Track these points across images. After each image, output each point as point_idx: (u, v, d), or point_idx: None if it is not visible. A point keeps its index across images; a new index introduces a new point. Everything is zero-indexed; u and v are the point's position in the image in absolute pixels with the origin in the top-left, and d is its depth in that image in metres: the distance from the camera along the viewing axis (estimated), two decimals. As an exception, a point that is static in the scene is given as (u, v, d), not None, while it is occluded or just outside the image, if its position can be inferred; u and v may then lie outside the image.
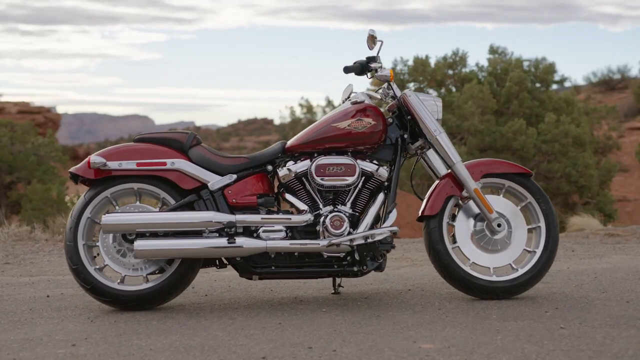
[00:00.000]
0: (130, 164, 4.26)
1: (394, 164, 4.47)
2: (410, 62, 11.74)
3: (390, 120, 4.47)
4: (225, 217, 4.19)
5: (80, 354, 3.37)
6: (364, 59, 4.41)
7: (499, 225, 4.38)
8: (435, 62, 11.86)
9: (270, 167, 4.39)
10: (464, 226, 4.44)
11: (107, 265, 4.28)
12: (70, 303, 4.52)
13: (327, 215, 4.23)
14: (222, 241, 4.16)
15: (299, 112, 20.48)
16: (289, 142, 4.42)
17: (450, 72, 11.76)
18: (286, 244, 4.19)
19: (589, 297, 4.38)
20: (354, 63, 4.41)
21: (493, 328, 3.67)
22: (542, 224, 4.43)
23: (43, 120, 59.57)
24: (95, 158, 4.22)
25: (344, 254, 4.26)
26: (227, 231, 4.20)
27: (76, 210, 4.27)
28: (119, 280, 4.25)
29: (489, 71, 12.04)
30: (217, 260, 4.32)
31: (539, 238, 4.43)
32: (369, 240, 4.19)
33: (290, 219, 4.23)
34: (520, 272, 4.39)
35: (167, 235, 4.21)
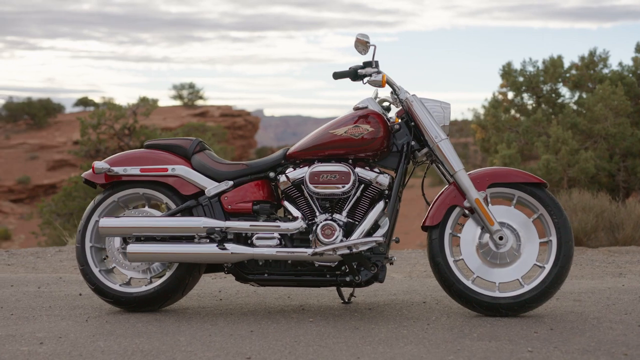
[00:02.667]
0: (134, 170, 4.38)
1: (402, 171, 4.34)
2: (540, 64, 11.20)
3: (397, 126, 4.32)
4: (215, 223, 4.22)
5: (38, 352, 3.50)
6: (361, 63, 4.29)
7: (500, 238, 4.12)
8: (571, 63, 11.25)
9: (272, 174, 4.37)
10: (469, 238, 4.22)
11: (114, 267, 4.43)
12: (88, 303, 4.70)
13: (320, 224, 4.16)
14: (212, 247, 4.19)
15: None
16: (291, 149, 4.38)
17: (590, 72, 11.11)
18: (273, 251, 4.16)
19: (598, 319, 4.03)
20: (349, 68, 4.30)
21: (455, 347, 3.48)
22: (554, 237, 4.13)
23: (243, 122, 62.23)
24: (98, 164, 4.38)
25: (334, 263, 4.17)
26: (214, 237, 4.22)
27: (86, 213, 4.44)
28: (121, 282, 4.39)
29: (632, 71, 11.27)
30: (224, 266, 4.34)
31: (550, 253, 4.14)
32: (354, 250, 4.08)
33: (279, 226, 4.20)
34: (526, 288, 4.11)
35: (162, 240, 4.29)
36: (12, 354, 3.47)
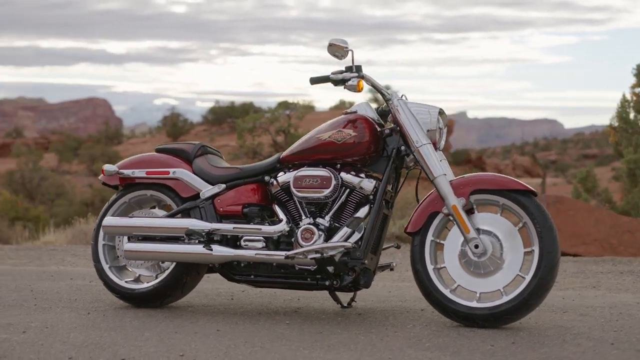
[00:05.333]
0: (141, 172, 4.62)
1: (396, 176, 4.32)
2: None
3: (387, 131, 4.29)
4: (202, 225, 4.36)
5: (12, 340, 3.79)
6: (343, 68, 4.28)
7: (476, 247, 3.99)
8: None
9: (267, 178, 4.46)
10: (452, 246, 4.11)
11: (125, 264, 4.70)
12: (110, 298, 4.97)
13: (301, 228, 4.21)
14: (198, 247, 4.34)
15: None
16: (283, 154, 4.45)
17: None
18: (252, 253, 4.26)
19: (576, 334, 3.80)
20: (333, 73, 4.29)
21: (395, 355, 3.43)
22: (536, 247, 3.95)
23: (438, 125, 62.04)
24: (108, 167, 4.66)
25: (314, 267, 4.20)
26: (199, 239, 4.36)
27: (101, 213, 4.73)
28: (127, 279, 4.64)
29: None
30: (209, 266, 4.50)
31: (532, 263, 3.96)
32: (324, 254, 4.08)
33: (260, 229, 4.28)
34: (504, 299, 3.95)
35: (160, 239, 4.49)
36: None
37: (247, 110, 57.96)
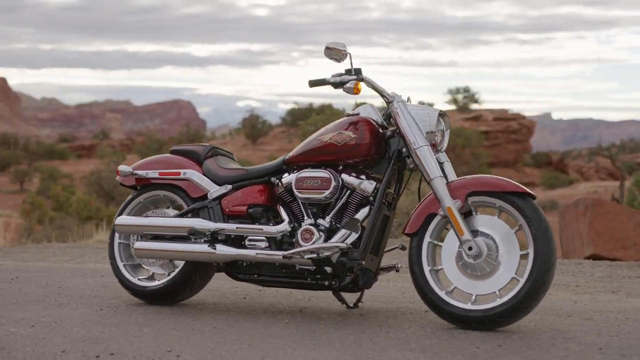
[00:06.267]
0: (154, 173, 4.76)
1: (398, 178, 4.35)
2: None
3: (389, 133, 4.32)
4: (207, 225, 4.46)
5: (18, 333, 3.95)
6: (343, 71, 4.31)
7: (469, 249, 3.98)
8: None
9: (273, 179, 4.53)
10: (450, 248, 4.11)
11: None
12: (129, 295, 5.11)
13: (302, 228, 4.27)
14: (203, 247, 4.44)
15: None
16: (289, 155, 4.52)
17: None
18: (253, 253, 4.33)
19: (569, 339, 3.76)
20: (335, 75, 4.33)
21: (375, 356, 3.46)
22: (531, 249, 3.92)
23: (517, 126, 61.20)
24: (122, 167, 4.80)
25: (313, 267, 4.25)
26: (202, 238, 4.46)
27: (118, 212, 4.88)
28: (139, 277, 4.77)
29: None
30: (213, 265, 4.59)
31: (526, 266, 3.93)
32: (320, 254, 4.13)
33: (262, 229, 4.36)
34: (498, 302, 3.94)
35: (166, 238, 4.60)
36: (3, 334, 3.95)
37: (324, 111, 58.30)
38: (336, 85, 4.28)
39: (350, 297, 4.61)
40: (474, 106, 64.89)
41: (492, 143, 57.76)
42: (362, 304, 4.69)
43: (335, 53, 4.20)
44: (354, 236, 4.18)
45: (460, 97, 64.95)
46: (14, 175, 53.55)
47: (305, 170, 4.34)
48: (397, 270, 4.54)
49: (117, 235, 4.85)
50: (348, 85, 4.24)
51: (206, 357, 3.45)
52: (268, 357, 3.44)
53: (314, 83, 4.34)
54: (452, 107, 63.75)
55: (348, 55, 4.22)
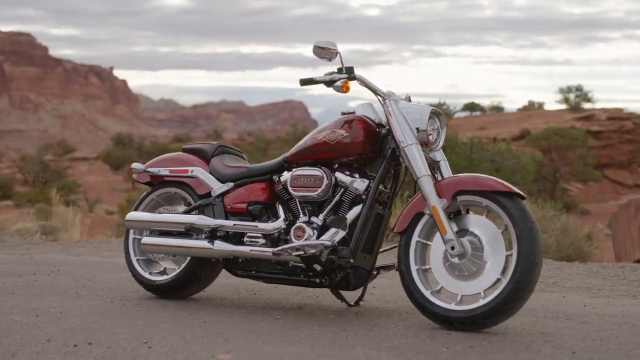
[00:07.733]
0: (165, 171, 4.90)
1: (395, 176, 4.34)
2: None
3: (384, 131, 4.31)
4: (207, 222, 4.56)
5: (22, 322, 4.14)
6: (335, 69, 4.32)
7: (452, 248, 3.93)
8: None
9: (274, 177, 4.59)
10: (438, 247, 4.07)
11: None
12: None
13: (295, 225, 4.31)
14: (203, 242, 4.54)
15: None
16: (288, 153, 4.57)
17: None
18: (247, 249, 4.40)
19: (545, 339, 3.68)
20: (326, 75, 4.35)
21: (341, 353, 3.48)
22: (515, 250, 3.84)
23: (632, 126, 59.12)
24: (135, 165, 4.96)
25: (302, 264, 4.28)
26: (201, 234, 4.56)
27: (133, 208, 5.05)
28: (150, 271, 4.91)
29: None
30: (212, 260, 4.68)
31: (509, 266, 3.86)
32: (306, 252, 4.15)
33: (257, 226, 4.42)
34: (480, 303, 3.88)
35: (173, 234, 4.73)
36: (6, 323, 4.17)
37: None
38: (326, 83, 4.30)
39: (351, 296, 4.63)
40: (586, 105, 63.07)
41: (605, 143, 55.99)
42: (363, 302, 4.69)
43: (325, 52, 4.22)
44: (342, 234, 4.19)
45: (572, 96, 63.26)
46: (127, 174, 55.39)
47: (300, 168, 4.39)
48: (397, 269, 4.52)
49: (131, 231, 5.01)
50: (337, 83, 4.26)
51: (176, 349, 3.54)
52: (234, 351, 3.51)
53: (304, 82, 4.38)
54: (563, 106, 62.20)
55: (338, 54, 4.23)
